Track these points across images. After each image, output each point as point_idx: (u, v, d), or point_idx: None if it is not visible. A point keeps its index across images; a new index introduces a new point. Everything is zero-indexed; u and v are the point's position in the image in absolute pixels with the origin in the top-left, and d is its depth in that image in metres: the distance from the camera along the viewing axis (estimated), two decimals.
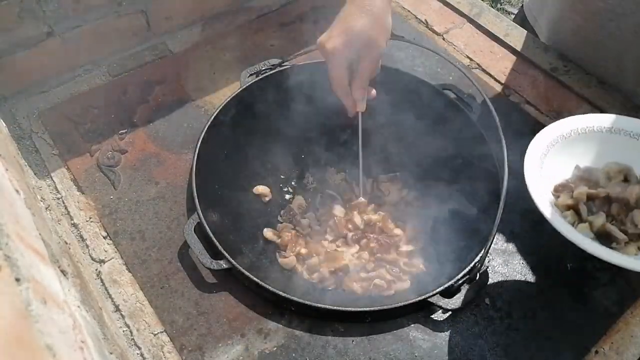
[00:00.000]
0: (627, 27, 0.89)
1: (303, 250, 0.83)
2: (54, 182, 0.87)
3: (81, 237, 0.81)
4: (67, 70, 1.01)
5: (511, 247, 0.82)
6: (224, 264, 0.73)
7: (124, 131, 0.93)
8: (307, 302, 0.70)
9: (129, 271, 0.78)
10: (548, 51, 1.06)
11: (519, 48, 1.07)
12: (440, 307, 0.71)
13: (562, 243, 0.81)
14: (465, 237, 0.79)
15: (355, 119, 0.84)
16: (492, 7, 1.48)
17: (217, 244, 0.73)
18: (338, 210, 0.88)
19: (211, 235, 0.74)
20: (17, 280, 0.37)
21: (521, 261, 0.80)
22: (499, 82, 1.03)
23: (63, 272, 0.56)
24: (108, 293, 0.76)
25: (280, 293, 0.70)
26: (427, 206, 0.89)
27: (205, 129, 0.85)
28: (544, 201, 0.68)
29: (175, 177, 0.88)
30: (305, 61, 0.94)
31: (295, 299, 0.71)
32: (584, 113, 0.97)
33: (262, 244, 0.84)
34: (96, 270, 0.78)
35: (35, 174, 0.87)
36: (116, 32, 1.02)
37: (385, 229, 0.85)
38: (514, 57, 1.07)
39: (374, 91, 0.82)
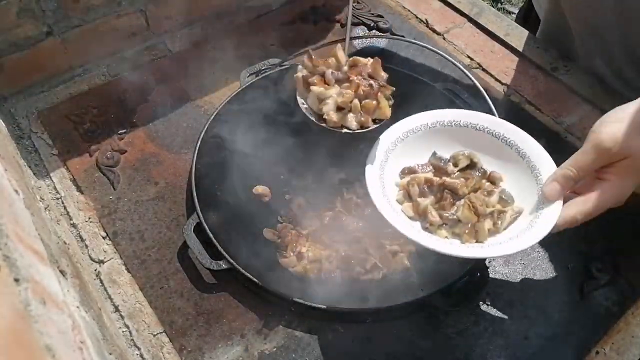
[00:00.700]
0: None
1: (303, 250, 0.83)
2: (53, 182, 0.87)
3: (80, 237, 0.81)
4: (67, 70, 1.01)
5: None
6: (223, 264, 0.73)
7: (123, 131, 0.93)
8: (307, 302, 0.70)
9: (129, 271, 0.78)
10: (548, 51, 1.06)
11: (519, 48, 1.07)
12: (441, 307, 0.71)
13: (562, 243, 0.81)
14: None
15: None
16: (492, 6, 1.48)
17: (217, 244, 0.73)
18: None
19: (211, 235, 0.74)
20: (16, 280, 0.37)
21: (521, 261, 0.80)
22: (499, 81, 1.03)
23: (62, 272, 0.56)
24: (107, 293, 0.76)
25: (280, 293, 0.70)
26: None
27: (205, 128, 0.85)
28: (374, 178, 0.71)
29: (175, 177, 0.88)
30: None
31: (295, 299, 0.70)
32: (584, 112, 0.98)
33: (262, 244, 0.84)
34: (95, 270, 0.78)
35: (34, 174, 0.87)
36: (116, 32, 1.01)
37: (375, 74, 0.79)
38: (514, 57, 1.07)
39: None
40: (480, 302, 0.76)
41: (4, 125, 0.89)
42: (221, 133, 0.87)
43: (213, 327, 0.73)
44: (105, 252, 0.80)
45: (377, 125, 0.76)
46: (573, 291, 0.77)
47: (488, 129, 0.75)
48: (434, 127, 0.76)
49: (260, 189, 0.89)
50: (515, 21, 1.21)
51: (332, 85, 0.75)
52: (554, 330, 0.73)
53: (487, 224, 0.67)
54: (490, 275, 0.78)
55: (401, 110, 0.90)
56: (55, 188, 0.86)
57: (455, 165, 0.75)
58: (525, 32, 1.10)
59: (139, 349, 0.71)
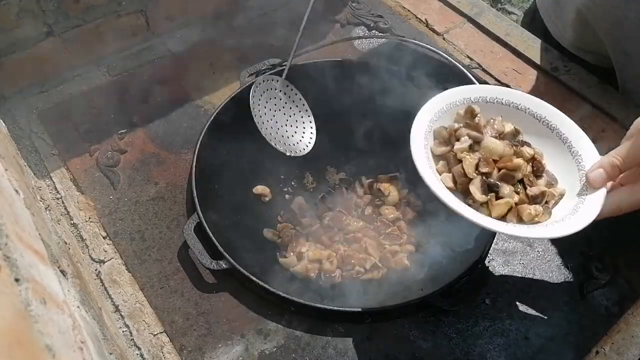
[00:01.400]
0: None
1: (303, 249, 0.83)
2: (53, 182, 0.87)
3: (81, 237, 0.81)
4: (67, 70, 1.01)
5: (511, 247, 0.82)
6: (224, 264, 0.73)
7: (123, 131, 0.93)
8: (307, 303, 0.70)
9: (129, 271, 0.78)
10: (548, 51, 1.06)
11: (519, 48, 1.07)
12: (440, 307, 0.71)
13: (563, 243, 0.81)
14: (465, 237, 0.79)
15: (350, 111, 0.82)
16: (492, 7, 1.48)
17: (217, 244, 0.73)
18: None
19: (211, 235, 0.74)
20: (17, 280, 0.37)
21: (521, 261, 0.80)
22: (499, 81, 1.03)
23: (63, 272, 0.56)
24: (108, 293, 0.76)
25: (280, 293, 0.70)
26: (426, 206, 0.89)
27: (205, 129, 0.85)
28: (422, 150, 0.67)
29: (175, 177, 0.88)
30: (305, 61, 0.94)
31: (295, 299, 0.71)
32: (584, 112, 0.98)
33: (262, 244, 0.84)
34: (96, 270, 0.78)
35: (34, 174, 0.87)
36: (116, 32, 1.01)
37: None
38: (514, 57, 1.07)
39: None
40: (480, 302, 0.76)
41: (4, 125, 0.89)
42: (221, 133, 0.87)
43: (213, 327, 0.73)
44: (105, 252, 0.80)
45: None
46: (573, 291, 0.77)
47: (530, 109, 0.73)
48: (477, 102, 0.74)
49: (260, 188, 0.89)
50: (523, 19, 1.21)
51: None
52: (554, 330, 0.73)
53: (537, 207, 0.64)
54: (490, 276, 0.78)
55: (400, 110, 0.90)
56: (55, 188, 0.86)
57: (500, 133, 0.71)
58: (526, 32, 1.10)
59: (139, 348, 0.71)
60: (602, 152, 0.68)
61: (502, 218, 0.64)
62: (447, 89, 0.90)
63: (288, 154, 0.82)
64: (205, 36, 1.09)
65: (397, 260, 0.83)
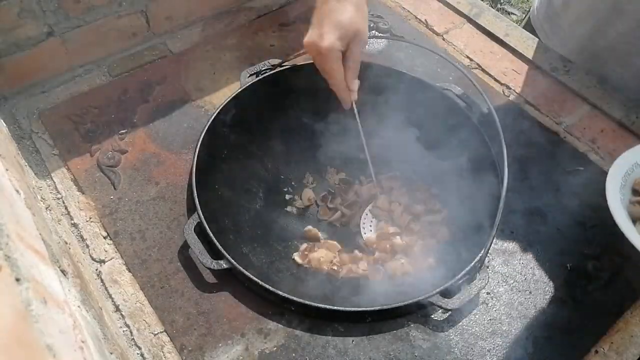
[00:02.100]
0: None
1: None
2: (54, 182, 0.87)
3: (81, 237, 0.81)
4: (67, 70, 1.01)
5: (511, 247, 0.82)
6: (224, 264, 0.73)
7: (124, 131, 0.93)
8: (307, 302, 0.70)
9: (129, 271, 0.78)
10: (548, 51, 1.06)
11: (518, 48, 1.07)
12: (440, 307, 0.71)
13: (563, 243, 0.81)
14: (465, 236, 0.79)
15: (349, 111, 0.83)
16: (492, 7, 1.48)
17: (217, 244, 0.73)
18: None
19: (211, 235, 0.74)
20: (17, 280, 0.37)
21: (521, 261, 0.80)
22: (499, 82, 1.03)
23: (63, 272, 0.56)
24: (108, 293, 0.76)
25: (280, 293, 0.70)
26: (426, 206, 0.89)
27: (205, 129, 0.85)
28: (619, 209, 0.66)
29: (175, 177, 0.88)
30: (305, 61, 0.94)
31: (295, 299, 0.71)
32: (583, 112, 0.98)
33: (262, 243, 0.85)
34: (96, 270, 0.78)
35: (35, 174, 0.87)
36: (116, 32, 1.02)
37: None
38: (513, 57, 1.07)
39: (357, 81, 0.82)
40: (480, 302, 0.76)
41: (5, 125, 0.89)
42: (221, 133, 0.87)
43: (213, 327, 0.73)
44: (106, 251, 0.80)
45: None
46: (573, 291, 0.77)
47: None
48: None
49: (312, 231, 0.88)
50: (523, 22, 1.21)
51: None
52: (554, 330, 0.74)
53: None
54: (490, 275, 0.78)
55: (400, 110, 0.90)
56: (56, 188, 0.86)
57: None
58: (525, 33, 1.10)
59: (139, 348, 0.71)
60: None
61: None
62: (446, 89, 0.90)
63: None
64: (205, 36, 1.09)
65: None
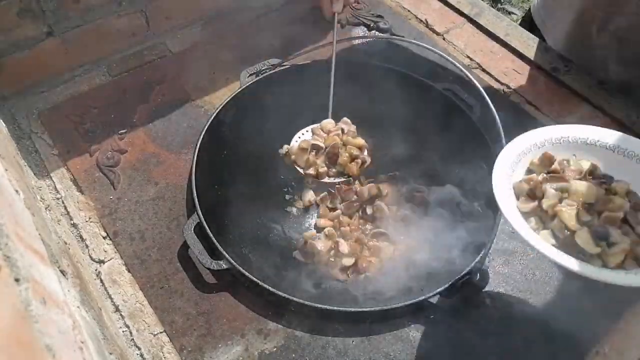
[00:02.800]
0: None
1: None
2: (53, 182, 0.87)
3: (81, 237, 0.81)
4: (67, 70, 1.01)
5: (511, 247, 0.82)
6: (223, 264, 0.73)
7: (123, 131, 0.93)
8: (307, 303, 0.70)
9: (129, 271, 0.78)
10: (548, 51, 1.06)
11: (519, 48, 1.07)
12: (441, 307, 0.71)
13: None
14: (465, 237, 0.79)
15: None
16: (492, 7, 1.48)
17: (217, 244, 0.73)
18: None
19: (211, 235, 0.74)
20: (17, 280, 0.37)
21: (521, 261, 0.80)
22: (499, 81, 1.03)
23: (63, 272, 0.56)
24: (108, 293, 0.76)
25: (280, 293, 0.70)
26: (427, 206, 0.89)
27: (205, 129, 0.85)
28: (511, 209, 0.64)
29: (175, 177, 0.88)
30: (305, 61, 0.94)
31: (295, 299, 0.71)
32: (583, 113, 0.98)
33: (262, 243, 0.84)
34: (96, 270, 0.78)
35: (34, 174, 0.87)
36: (116, 32, 1.01)
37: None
38: (514, 57, 1.07)
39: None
40: (480, 302, 0.76)
41: (4, 125, 0.89)
42: (221, 133, 0.87)
43: (213, 327, 0.73)
44: (105, 252, 0.80)
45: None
46: (573, 291, 0.77)
47: (600, 141, 0.69)
48: (544, 146, 0.71)
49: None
50: (520, 24, 1.21)
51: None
52: (554, 330, 0.73)
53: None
54: (490, 275, 0.78)
55: (400, 110, 0.90)
56: (55, 188, 0.86)
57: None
58: (525, 33, 1.10)
59: (139, 348, 0.71)
60: None
61: (620, 265, 0.60)
62: (446, 88, 0.90)
63: None
64: (205, 36, 1.09)
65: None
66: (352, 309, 0.72)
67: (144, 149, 0.91)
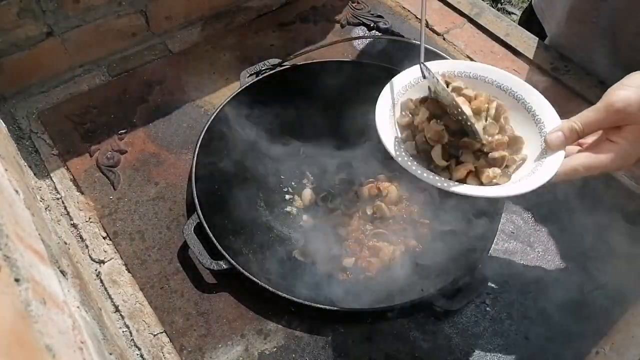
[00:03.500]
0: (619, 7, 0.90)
1: None
2: (53, 182, 0.87)
3: (81, 237, 0.81)
4: (67, 70, 1.01)
5: (511, 247, 0.82)
6: (224, 264, 0.73)
7: (123, 131, 0.93)
8: (307, 303, 0.70)
9: (129, 271, 0.78)
10: (548, 51, 1.06)
11: (519, 48, 1.07)
12: (441, 307, 0.71)
13: (562, 243, 0.81)
14: (465, 237, 0.79)
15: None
16: (492, 7, 1.48)
17: (217, 244, 0.73)
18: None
19: (211, 235, 0.74)
20: (17, 280, 0.37)
21: (521, 261, 0.80)
22: None
23: (62, 272, 0.56)
24: (108, 293, 0.76)
25: (280, 293, 0.70)
26: (427, 206, 0.88)
27: (205, 129, 0.85)
28: (390, 136, 0.67)
29: (175, 177, 0.88)
30: (305, 61, 0.94)
31: (295, 299, 0.71)
32: None
33: (262, 243, 0.84)
34: (96, 270, 0.78)
35: (34, 174, 0.87)
36: (116, 32, 1.01)
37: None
38: (514, 57, 1.07)
39: None
40: (480, 302, 0.76)
41: (4, 125, 0.89)
42: (221, 133, 0.87)
43: (213, 327, 0.73)
44: (105, 252, 0.80)
45: None
46: (573, 291, 0.77)
47: (496, 81, 0.74)
48: (443, 74, 0.74)
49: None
50: (521, 16, 1.21)
51: None
52: (554, 330, 0.73)
53: (495, 170, 0.65)
54: (490, 275, 0.78)
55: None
56: (55, 188, 0.86)
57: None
58: (526, 33, 1.10)
59: (139, 349, 0.71)
60: None
61: (463, 181, 0.65)
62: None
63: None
64: (205, 36, 1.09)
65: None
66: (352, 309, 0.72)
67: (144, 149, 0.91)
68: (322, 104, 0.91)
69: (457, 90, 0.69)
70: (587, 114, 0.64)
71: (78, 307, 0.55)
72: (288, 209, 0.91)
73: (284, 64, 0.93)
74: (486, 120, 0.67)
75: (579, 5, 0.97)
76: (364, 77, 0.91)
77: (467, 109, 0.65)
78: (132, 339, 0.72)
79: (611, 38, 0.96)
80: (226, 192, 0.85)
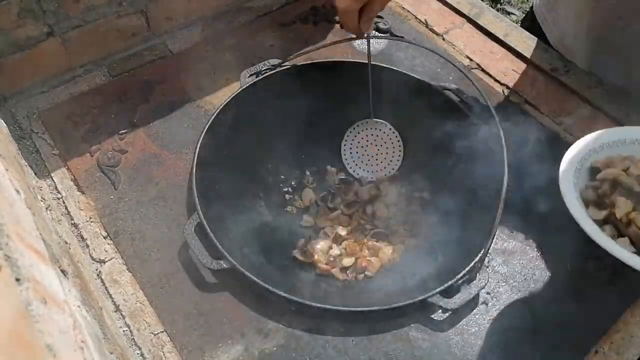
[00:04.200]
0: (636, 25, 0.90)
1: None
2: (54, 182, 0.87)
3: (81, 237, 0.81)
4: (68, 70, 1.01)
5: (511, 247, 0.82)
6: (224, 264, 0.73)
7: (124, 131, 0.93)
8: (307, 302, 0.71)
9: (129, 271, 0.78)
10: (548, 51, 1.06)
11: (518, 48, 1.07)
12: (440, 307, 0.71)
13: (562, 243, 0.81)
14: (465, 236, 0.79)
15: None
16: (492, 7, 1.49)
17: (218, 244, 0.73)
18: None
19: (211, 235, 0.74)
20: (17, 280, 0.37)
21: (521, 261, 0.80)
22: (498, 82, 1.03)
23: (63, 272, 0.56)
24: (108, 293, 0.76)
25: (281, 293, 0.70)
26: (426, 206, 0.89)
27: (205, 129, 0.85)
28: (585, 218, 0.65)
29: (175, 177, 0.88)
30: (305, 61, 0.94)
31: (295, 298, 0.71)
32: (584, 113, 0.98)
33: (262, 243, 0.85)
34: (96, 270, 0.78)
35: (35, 174, 0.87)
36: (116, 32, 1.02)
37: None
38: (513, 57, 1.07)
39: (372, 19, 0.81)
40: (480, 302, 0.76)
41: (4, 125, 0.89)
42: (221, 133, 0.87)
43: (213, 327, 0.73)
44: (106, 251, 0.80)
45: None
46: (573, 291, 0.77)
47: None
48: (610, 147, 0.73)
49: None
50: (522, 20, 1.21)
51: None
52: (554, 330, 0.74)
53: None
54: (490, 275, 0.78)
55: (400, 110, 0.91)
56: (56, 188, 0.86)
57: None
58: (525, 33, 1.10)
59: (139, 348, 0.71)
60: None
61: None
62: (446, 89, 0.90)
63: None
64: (205, 36, 1.09)
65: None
66: (352, 309, 0.72)
67: (144, 149, 0.91)
68: (322, 104, 0.91)
69: None
70: None
71: (79, 306, 0.55)
72: (288, 209, 0.91)
73: (284, 64, 0.93)
74: None
75: (594, 24, 0.96)
76: (364, 78, 0.91)
77: None
78: (133, 338, 0.72)
79: (626, 59, 0.95)
80: (226, 192, 0.85)
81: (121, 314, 0.74)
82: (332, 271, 0.82)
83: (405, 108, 0.90)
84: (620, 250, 0.62)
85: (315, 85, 0.90)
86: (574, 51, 1.04)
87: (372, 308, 0.72)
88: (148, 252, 0.80)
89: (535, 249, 0.81)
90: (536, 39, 1.09)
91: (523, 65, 1.05)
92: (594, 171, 0.73)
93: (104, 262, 0.79)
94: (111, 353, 0.58)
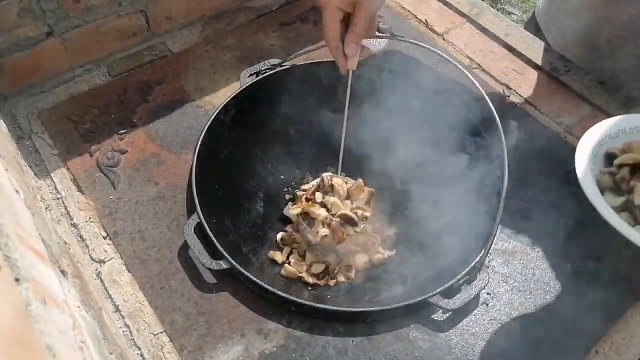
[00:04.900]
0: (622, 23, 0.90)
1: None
2: (53, 182, 0.87)
3: (81, 237, 0.81)
4: (67, 70, 1.01)
5: (511, 247, 0.82)
6: (224, 264, 0.73)
7: (124, 131, 0.93)
8: (307, 303, 0.70)
9: (129, 271, 0.78)
10: (548, 51, 1.06)
11: (519, 48, 1.07)
12: (440, 307, 0.71)
13: (563, 243, 0.81)
14: (465, 237, 0.79)
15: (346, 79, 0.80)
16: (492, 7, 1.48)
17: (217, 244, 0.73)
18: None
19: (211, 235, 0.74)
20: (17, 280, 0.37)
21: (521, 261, 0.80)
22: (499, 82, 1.03)
23: (63, 272, 0.56)
24: (108, 293, 0.76)
25: (280, 293, 0.70)
26: (426, 205, 0.88)
27: (205, 129, 0.85)
28: (602, 204, 0.65)
29: (175, 177, 0.88)
30: (305, 61, 0.94)
31: (295, 299, 0.71)
32: (583, 112, 0.98)
33: (262, 243, 0.84)
34: (96, 270, 0.78)
35: (35, 174, 0.87)
36: (116, 32, 1.02)
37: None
38: (514, 57, 1.07)
39: (367, 49, 0.78)
40: (481, 302, 0.76)
41: (4, 125, 0.89)
42: (221, 133, 0.87)
43: (213, 327, 0.73)
44: (105, 252, 0.80)
45: None
46: (573, 291, 0.77)
47: None
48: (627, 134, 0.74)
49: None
50: (525, 27, 1.21)
51: None
52: (554, 330, 0.74)
53: None
54: (491, 276, 0.78)
55: (400, 111, 0.90)
56: (55, 188, 0.86)
57: None
58: (525, 33, 1.10)
59: (139, 348, 0.71)
60: None
61: None
62: (446, 88, 0.90)
63: None
64: (205, 36, 1.09)
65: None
66: (352, 309, 0.72)
67: (144, 149, 0.91)
68: (322, 104, 0.91)
69: None
70: None
71: (78, 306, 0.55)
72: None
73: (284, 64, 0.93)
74: None
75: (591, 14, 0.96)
76: (364, 78, 0.91)
77: None
78: (132, 339, 0.72)
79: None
80: (226, 192, 0.85)
81: (121, 314, 0.74)
82: (300, 275, 0.81)
83: (404, 108, 0.90)
84: (638, 236, 0.62)
85: (315, 85, 0.90)
86: (574, 54, 1.04)
87: (373, 308, 0.72)
88: (148, 252, 0.80)
89: (536, 249, 0.81)
90: (536, 38, 1.09)
91: (523, 65, 1.06)
92: (609, 157, 0.72)
93: (104, 262, 0.79)
94: (111, 353, 0.58)
